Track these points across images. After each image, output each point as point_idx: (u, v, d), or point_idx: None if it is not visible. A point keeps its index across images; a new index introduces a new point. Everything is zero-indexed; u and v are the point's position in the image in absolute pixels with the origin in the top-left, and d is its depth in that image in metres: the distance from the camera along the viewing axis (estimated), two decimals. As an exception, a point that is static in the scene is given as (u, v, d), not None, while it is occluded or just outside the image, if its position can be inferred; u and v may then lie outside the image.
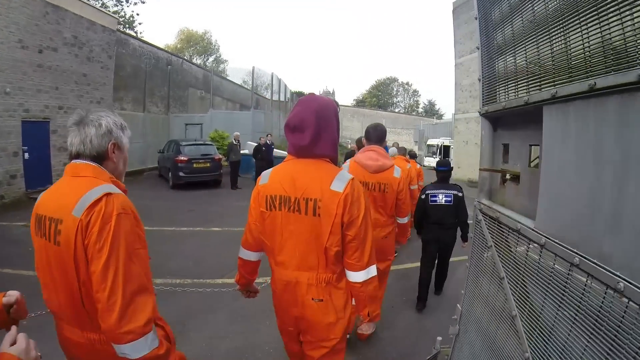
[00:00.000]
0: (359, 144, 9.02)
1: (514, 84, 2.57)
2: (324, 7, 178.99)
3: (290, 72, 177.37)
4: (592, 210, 1.66)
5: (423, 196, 6.09)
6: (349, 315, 2.57)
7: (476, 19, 3.32)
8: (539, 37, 2.18)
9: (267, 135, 18.30)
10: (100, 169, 1.96)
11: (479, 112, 3.20)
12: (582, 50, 1.76)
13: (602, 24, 1.59)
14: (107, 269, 1.71)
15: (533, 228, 2.15)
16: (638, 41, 1.40)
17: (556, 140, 2.02)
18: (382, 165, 4.33)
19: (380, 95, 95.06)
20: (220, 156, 17.70)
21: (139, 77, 23.53)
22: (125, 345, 1.72)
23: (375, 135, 4.54)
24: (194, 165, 16.04)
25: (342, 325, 2.50)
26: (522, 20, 2.41)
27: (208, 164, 16.50)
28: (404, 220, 4.79)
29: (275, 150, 18.85)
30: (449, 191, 5.97)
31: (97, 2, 30.34)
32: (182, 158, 15.75)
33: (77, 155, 1.96)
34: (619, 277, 1.38)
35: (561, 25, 1.93)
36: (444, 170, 6.25)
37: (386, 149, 5.43)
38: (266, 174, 2.60)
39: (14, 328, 1.46)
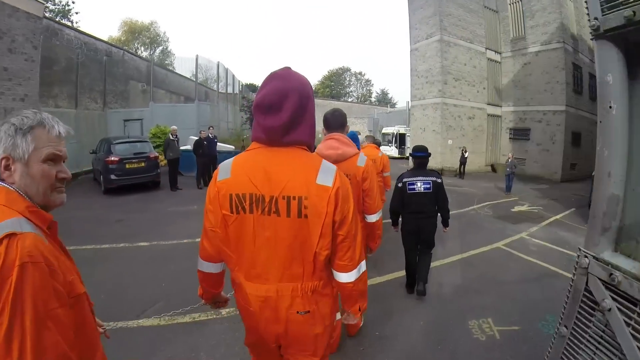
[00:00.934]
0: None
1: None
2: None
3: (242, 65, 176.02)
4: None
5: (400, 184, 5.80)
6: (334, 320, 2.44)
7: None
8: None
9: (209, 128, 16.87)
10: (12, 194, 1.48)
11: (592, 32, 2.01)
12: None
13: None
14: (9, 341, 1.22)
15: None
16: None
17: None
18: (343, 153, 3.81)
19: (333, 85, 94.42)
20: (157, 154, 15.61)
21: (74, 70, 21.93)
22: None
23: (335, 122, 3.99)
24: (127, 165, 13.91)
25: (328, 333, 2.32)
26: None
27: (143, 164, 14.49)
28: (373, 218, 4.08)
29: (219, 144, 17.92)
30: (427, 178, 5.71)
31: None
32: (112, 158, 13.68)
33: None
34: None
35: None
36: (421, 156, 5.95)
37: (354, 137, 5.51)
38: (226, 167, 2.14)
39: None
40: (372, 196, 3.93)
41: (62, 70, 20.70)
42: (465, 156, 23.38)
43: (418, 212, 5.73)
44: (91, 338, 1.62)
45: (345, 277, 2.17)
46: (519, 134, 28.18)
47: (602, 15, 1.80)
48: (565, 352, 2.32)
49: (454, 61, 26.50)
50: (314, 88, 62.64)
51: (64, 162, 1.68)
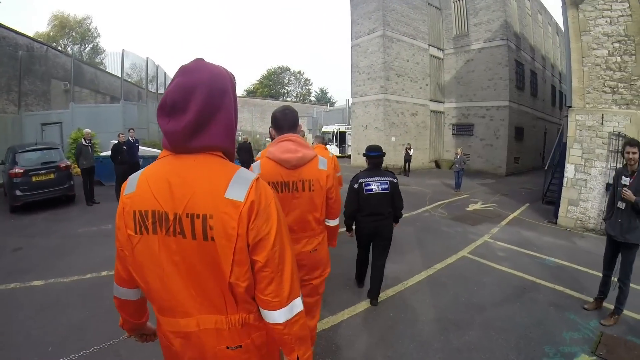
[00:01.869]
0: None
1: None
2: None
3: (178, 63, 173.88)
4: None
5: (356, 185, 5.59)
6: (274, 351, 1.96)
7: None
8: None
9: (129, 131, 14.65)
10: None
11: None
12: None
13: None
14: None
15: None
16: None
17: None
18: (303, 156, 3.41)
19: (272, 85, 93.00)
20: (69, 163, 13.31)
21: None
22: None
23: (286, 121, 3.57)
24: (33, 178, 11.75)
25: None
26: None
27: (52, 175, 12.28)
28: (335, 222, 3.89)
29: (143, 148, 16.38)
30: (383, 178, 5.58)
31: None
32: (16, 171, 11.53)
33: None
34: None
35: None
36: (375, 155, 5.73)
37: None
38: (133, 179, 1.75)
39: None
40: (336, 200, 3.67)
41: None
42: (410, 153, 22.68)
43: (376, 214, 5.55)
44: None
45: (272, 317, 1.72)
46: (463, 129, 28.04)
47: None
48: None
49: (396, 57, 25.91)
50: (252, 88, 62.08)
51: None
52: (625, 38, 9.56)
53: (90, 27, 64.87)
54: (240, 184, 1.62)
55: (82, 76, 28.15)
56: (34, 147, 12.84)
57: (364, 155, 5.96)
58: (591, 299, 5.69)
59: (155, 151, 17.88)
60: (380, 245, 5.77)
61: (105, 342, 3.46)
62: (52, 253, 7.88)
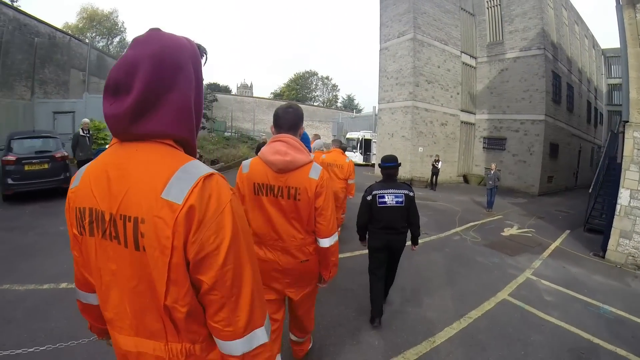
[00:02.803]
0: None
1: None
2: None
3: (208, 63, 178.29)
4: None
5: (369, 197, 5.34)
6: None
7: None
8: None
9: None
10: None
11: None
12: None
13: None
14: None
15: None
16: None
17: None
18: (292, 161, 3.05)
19: (299, 89, 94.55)
20: (65, 153, 12.41)
21: (9, 55, 19.57)
22: None
23: (286, 120, 3.18)
24: (25, 167, 11.10)
25: None
26: None
27: (46, 165, 11.51)
28: (326, 242, 3.24)
29: None
30: (398, 191, 5.31)
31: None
32: (9, 158, 11.00)
33: None
34: None
35: None
36: (390, 166, 5.46)
37: (304, 138, 5.75)
38: (81, 171, 1.53)
39: None
40: (326, 216, 3.20)
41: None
42: (438, 166, 21.24)
43: (389, 227, 5.26)
44: None
45: (226, 347, 1.39)
46: (494, 143, 26.42)
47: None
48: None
49: (427, 62, 24.44)
50: (279, 91, 63.57)
51: None
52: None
53: (117, 22, 67.96)
54: (182, 182, 1.29)
55: (104, 68, 28.95)
56: (30, 135, 12.30)
57: (379, 166, 5.58)
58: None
59: None
60: (391, 263, 5.56)
61: None
62: (21, 252, 7.18)
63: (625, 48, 9.44)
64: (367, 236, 5.52)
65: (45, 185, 11.48)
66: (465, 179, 26.99)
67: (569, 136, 27.53)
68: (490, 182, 15.56)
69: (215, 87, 75.45)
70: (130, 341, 1.45)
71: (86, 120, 13.46)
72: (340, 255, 5.07)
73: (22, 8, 24.60)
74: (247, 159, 3.37)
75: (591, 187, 13.29)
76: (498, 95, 26.01)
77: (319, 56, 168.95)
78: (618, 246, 9.29)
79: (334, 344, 4.67)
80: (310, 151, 6.63)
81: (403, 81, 24.72)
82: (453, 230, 11.42)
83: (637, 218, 8.98)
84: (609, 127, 30.96)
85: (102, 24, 65.12)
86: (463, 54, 26.79)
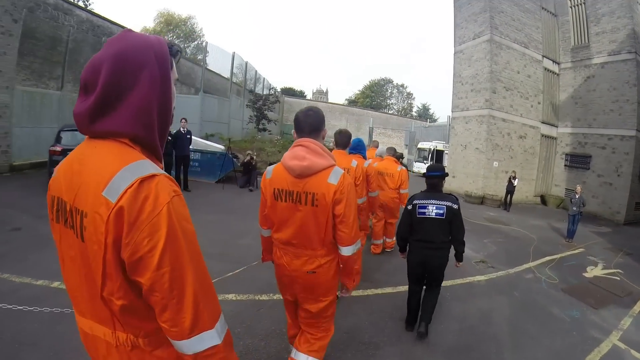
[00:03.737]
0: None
1: None
2: (324, 6, 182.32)
3: (283, 70, 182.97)
4: None
5: (410, 206, 5.18)
6: None
7: None
8: None
9: (180, 121, 13.95)
10: None
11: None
12: None
13: None
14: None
15: None
16: None
17: None
18: (310, 165, 3.05)
19: (374, 96, 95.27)
20: None
21: (76, 51, 20.23)
22: None
23: (306, 123, 3.20)
24: None
25: None
26: None
27: None
28: (348, 250, 3.17)
29: (206, 142, 17.47)
30: (441, 202, 5.02)
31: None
32: (56, 148, 11.47)
33: None
34: None
35: None
36: (435, 175, 5.22)
37: (359, 144, 6.54)
38: (59, 163, 1.68)
39: None
40: (347, 223, 3.09)
41: (70, 52, 19.63)
42: (515, 184, 19.08)
43: (426, 240, 5.07)
44: None
45: (177, 346, 1.45)
46: (577, 161, 23.30)
47: None
48: None
49: (505, 67, 22.16)
50: (354, 97, 65.86)
51: None
52: None
53: (195, 28, 72.25)
54: (122, 181, 1.35)
55: (178, 69, 28.89)
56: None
57: (423, 175, 5.54)
58: None
59: (217, 146, 17.84)
60: (429, 279, 5.32)
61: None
62: (36, 243, 7.39)
63: None
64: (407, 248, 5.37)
65: None
66: (543, 200, 24.20)
67: (665, 156, 24.05)
68: (575, 208, 13.41)
69: (289, 92, 77.23)
70: (86, 323, 1.57)
71: None
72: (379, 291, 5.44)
73: (97, 11, 28.10)
74: None
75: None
76: (583, 106, 22.96)
77: (394, 63, 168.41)
78: None
79: None
80: (364, 158, 6.65)
81: (479, 87, 22.69)
82: (526, 266, 9.66)
83: None
84: None
85: (180, 28, 69.07)
86: (545, 58, 24.09)
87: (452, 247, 5.20)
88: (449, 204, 5.03)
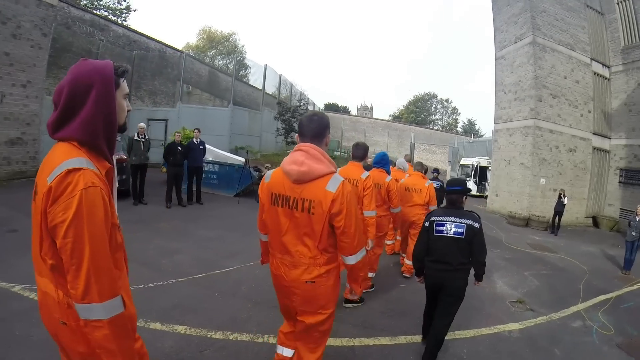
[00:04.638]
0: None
1: None
2: (367, 22, 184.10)
3: (327, 85, 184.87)
4: None
5: (427, 223, 4.90)
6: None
7: None
8: None
9: (193, 131, 14.16)
10: None
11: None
12: None
13: None
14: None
15: None
16: None
17: None
18: (308, 171, 3.04)
19: (418, 111, 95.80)
20: (124, 157, 13.20)
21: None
22: None
23: (309, 128, 3.21)
24: None
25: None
26: None
27: None
28: (350, 260, 3.21)
29: (221, 152, 17.09)
30: (461, 220, 4.65)
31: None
32: None
33: None
34: None
35: None
36: (454, 190, 4.92)
37: (383, 158, 6.86)
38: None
39: None
40: (349, 234, 3.07)
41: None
42: (564, 203, 16.71)
43: (441, 261, 4.68)
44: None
45: (77, 310, 1.90)
46: (633, 177, 20.31)
47: None
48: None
49: (550, 72, 19.92)
50: (398, 113, 66.18)
51: None
52: None
53: (237, 44, 75.96)
54: (59, 169, 1.90)
55: (216, 83, 33.82)
56: None
57: (444, 190, 5.59)
58: None
59: (237, 158, 17.43)
60: (444, 300, 4.75)
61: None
62: (27, 247, 6.00)
63: None
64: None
65: None
66: (595, 222, 21.31)
67: None
68: (634, 233, 11.15)
69: (332, 107, 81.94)
70: (40, 281, 2.04)
71: (142, 125, 13.53)
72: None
73: (134, 26, 31.20)
74: None
75: None
76: (638, 114, 20.18)
77: (439, 78, 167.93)
78: None
79: None
80: (388, 172, 6.77)
81: (522, 95, 20.62)
82: (574, 309, 7.67)
83: None
84: None
85: (222, 44, 73.00)
86: (593, 61, 21.51)
87: (473, 268, 4.83)
88: (470, 222, 4.66)
